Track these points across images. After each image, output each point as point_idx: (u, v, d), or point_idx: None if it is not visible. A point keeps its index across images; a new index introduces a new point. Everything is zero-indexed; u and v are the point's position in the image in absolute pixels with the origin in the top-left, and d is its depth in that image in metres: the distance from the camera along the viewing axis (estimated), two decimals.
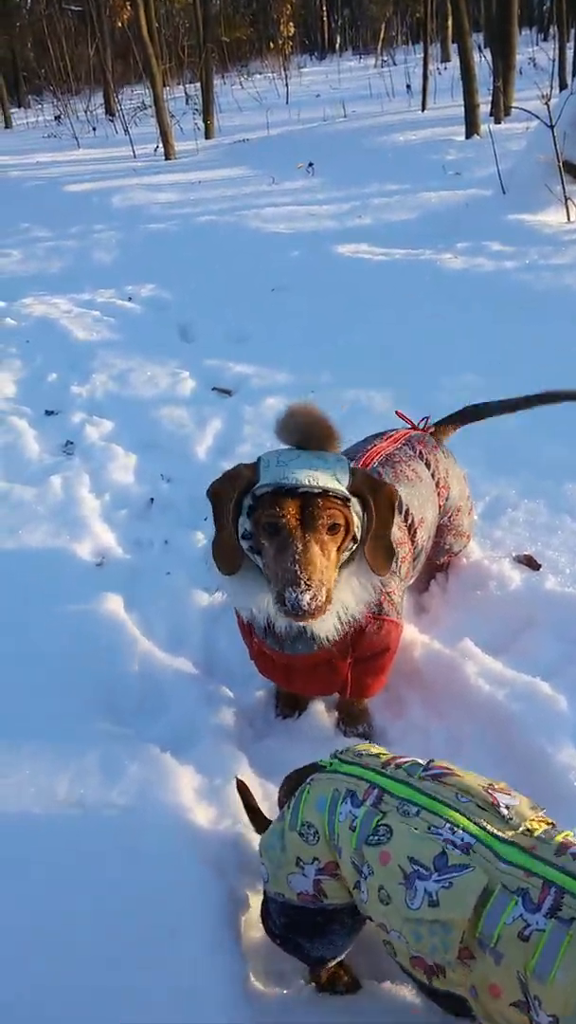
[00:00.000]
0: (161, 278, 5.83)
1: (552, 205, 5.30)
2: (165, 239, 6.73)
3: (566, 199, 5.10)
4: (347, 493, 1.65)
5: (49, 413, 4.05)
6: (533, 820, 1.27)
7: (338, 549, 1.68)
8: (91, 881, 1.64)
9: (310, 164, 8.31)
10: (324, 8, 28.55)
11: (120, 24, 17.73)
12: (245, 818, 1.79)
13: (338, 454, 1.77)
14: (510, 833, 1.24)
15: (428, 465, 2.31)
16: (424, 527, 2.22)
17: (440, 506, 2.33)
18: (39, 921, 1.59)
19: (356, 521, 1.69)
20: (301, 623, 1.66)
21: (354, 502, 1.69)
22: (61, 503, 3.18)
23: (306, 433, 1.73)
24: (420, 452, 2.32)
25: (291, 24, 19.25)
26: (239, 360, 4.29)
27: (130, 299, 5.58)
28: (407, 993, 1.50)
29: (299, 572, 1.58)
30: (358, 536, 1.72)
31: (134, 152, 11.13)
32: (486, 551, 2.64)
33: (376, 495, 1.74)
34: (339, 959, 1.45)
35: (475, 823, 1.26)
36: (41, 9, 20.48)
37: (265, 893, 1.48)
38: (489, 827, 1.25)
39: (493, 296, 4.33)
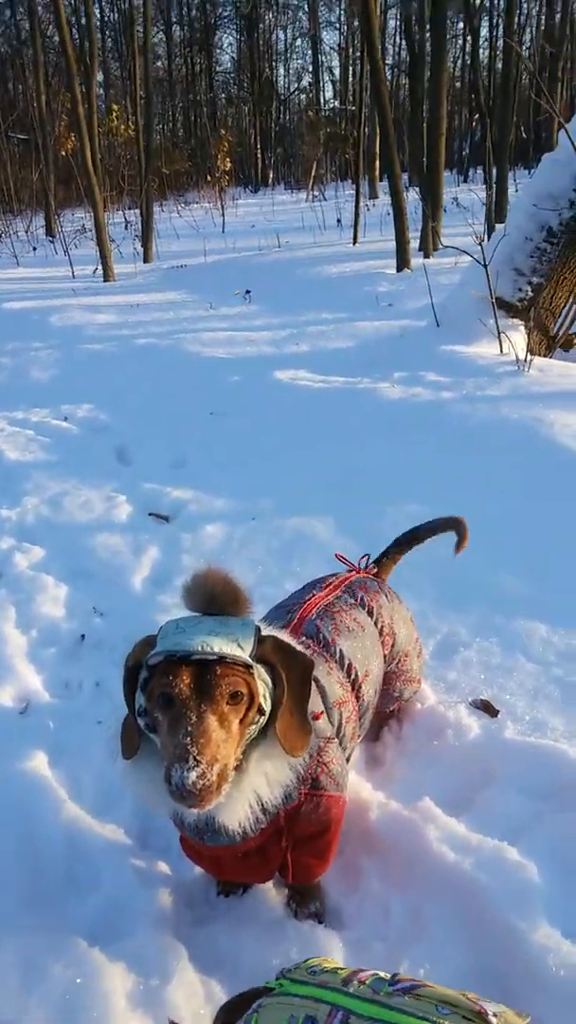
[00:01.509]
0: (98, 399, 5.76)
1: (485, 337, 5.45)
2: (103, 359, 6.71)
3: (499, 333, 5.24)
4: (248, 659, 1.47)
5: None
6: None
7: (241, 722, 1.48)
8: None
9: (247, 291, 8.50)
10: (258, 145, 30.23)
11: (64, 152, 18.42)
12: None
13: (245, 618, 1.58)
14: None
15: (371, 613, 2.19)
16: (369, 681, 2.08)
17: (386, 655, 2.20)
18: None
19: (262, 690, 1.51)
20: (194, 809, 1.40)
21: (259, 669, 1.51)
22: None
23: (210, 598, 1.56)
24: (361, 599, 2.20)
25: (228, 159, 20.25)
26: (177, 484, 4.17)
27: (66, 419, 5.46)
28: None
29: (189, 746, 1.37)
30: (265, 708, 1.52)
31: (73, 273, 11.29)
32: (440, 695, 2.50)
33: (289, 664, 1.57)
34: None
35: None
36: None
37: None
38: None
39: (432, 426, 4.35)
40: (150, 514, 3.94)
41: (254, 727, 1.52)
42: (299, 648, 1.66)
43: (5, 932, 1.76)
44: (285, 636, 1.70)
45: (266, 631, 1.62)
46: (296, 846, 1.78)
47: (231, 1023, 1.28)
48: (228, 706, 1.45)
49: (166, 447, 4.73)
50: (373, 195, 18.82)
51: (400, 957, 1.75)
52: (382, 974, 1.24)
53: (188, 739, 1.38)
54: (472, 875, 1.88)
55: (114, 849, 2.02)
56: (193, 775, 1.35)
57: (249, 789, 1.53)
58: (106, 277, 10.74)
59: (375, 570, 2.44)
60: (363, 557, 2.44)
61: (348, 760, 2.01)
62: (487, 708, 2.43)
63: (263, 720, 1.53)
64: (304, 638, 1.99)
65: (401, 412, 4.54)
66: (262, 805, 1.56)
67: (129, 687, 1.56)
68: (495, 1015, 1.11)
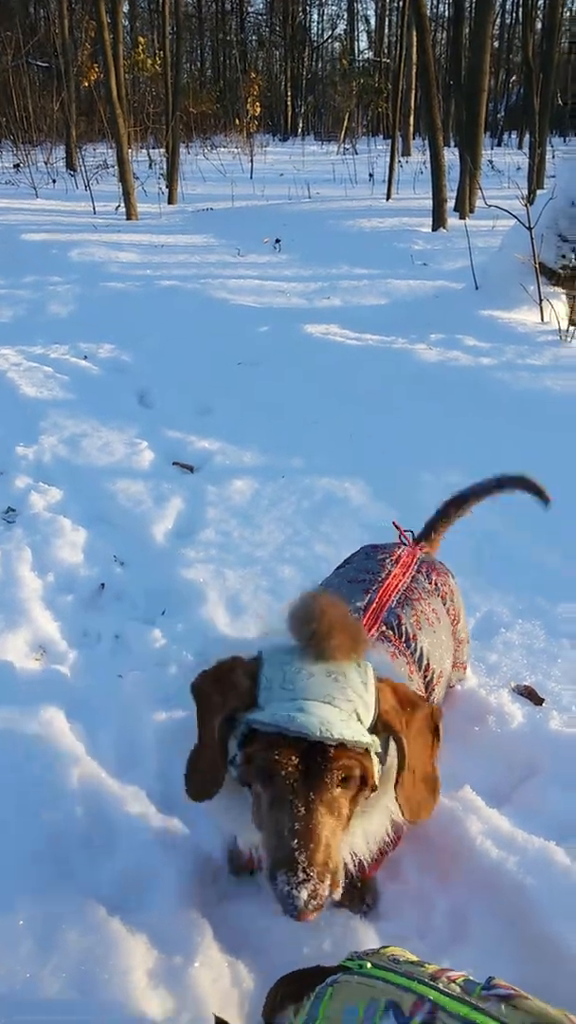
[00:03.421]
0: (120, 339, 5.55)
1: (525, 304, 5.26)
2: (125, 299, 6.48)
3: (541, 300, 5.04)
4: (369, 740, 1.28)
5: None
6: None
7: (352, 801, 1.31)
8: None
9: (277, 240, 8.24)
10: (289, 92, 29.47)
11: (86, 83, 17.87)
12: (209, 1013, 1.44)
13: (361, 669, 1.35)
14: None
15: (443, 600, 2.02)
16: (442, 682, 1.92)
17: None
18: None
19: (377, 769, 1.33)
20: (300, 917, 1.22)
21: (376, 744, 1.31)
22: None
23: (326, 643, 1.32)
24: (436, 583, 2.03)
25: (257, 104, 19.72)
26: (203, 434, 4.01)
27: (85, 357, 5.27)
28: None
29: (297, 852, 1.20)
30: (377, 785, 1.34)
31: (94, 208, 10.97)
32: (481, 678, 2.37)
33: (411, 721, 1.38)
34: None
35: None
36: (7, 61, 20.49)
37: None
38: None
39: (472, 392, 4.18)
40: (174, 463, 3.78)
41: (363, 801, 1.35)
42: (420, 696, 1.49)
43: (18, 893, 1.64)
44: (389, 664, 1.53)
45: (374, 663, 1.41)
46: None
47: (292, 996, 1.17)
48: (339, 790, 1.28)
49: (190, 394, 4.55)
50: (406, 152, 18.34)
51: (440, 958, 1.63)
52: (473, 977, 1.11)
53: (295, 840, 1.21)
54: (517, 877, 1.76)
55: (135, 813, 1.89)
56: (304, 894, 1.19)
57: (347, 849, 1.38)
58: (129, 215, 10.43)
59: (427, 548, 2.26)
60: (407, 532, 2.25)
61: None
62: (531, 695, 2.31)
63: (373, 794, 1.36)
64: (384, 628, 1.82)
65: (439, 376, 4.36)
66: (355, 863, 1.42)
67: (217, 725, 1.36)
68: None
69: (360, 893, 1.76)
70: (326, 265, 7.32)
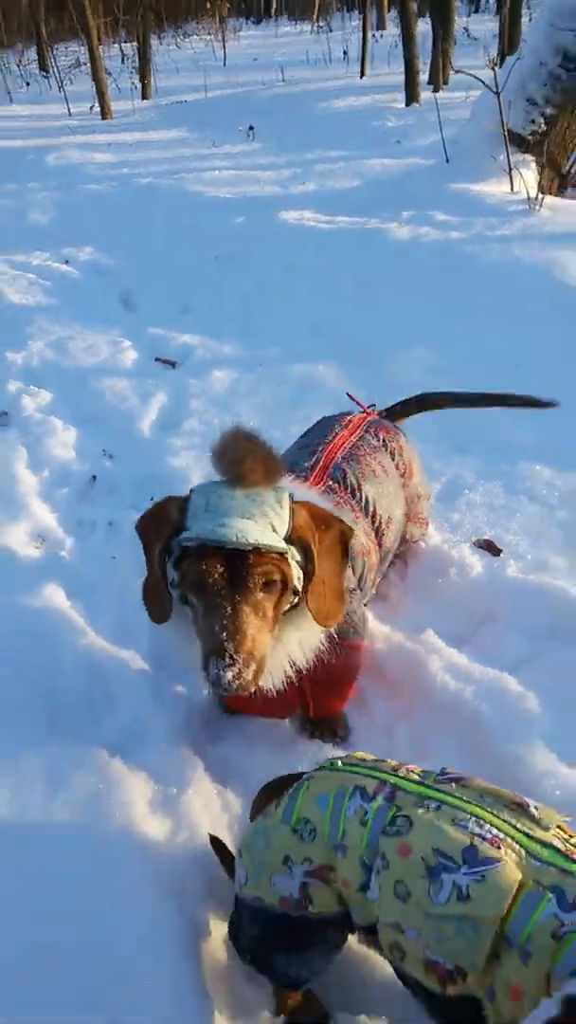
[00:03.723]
0: (100, 241, 5.57)
1: (495, 175, 5.16)
2: (103, 201, 6.43)
3: (510, 168, 4.98)
4: (283, 546, 1.46)
5: None
6: (564, 827, 1.18)
7: (275, 606, 1.49)
8: (33, 910, 1.48)
9: (251, 127, 8.06)
10: None
11: None
12: (203, 832, 1.67)
13: (279, 491, 1.53)
14: (541, 833, 1.14)
15: (392, 455, 2.18)
16: (392, 527, 2.09)
17: (405, 496, 2.21)
18: None
19: (296, 573, 1.50)
20: (228, 693, 1.44)
21: (293, 551, 1.49)
22: None
23: (240, 468, 1.49)
24: (384, 441, 2.18)
25: None
26: (183, 330, 4.11)
27: (67, 262, 5.30)
28: None
29: (225, 642, 1.39)
30: (298, 588, 1.52)
31: (69, 110, 10.68)
32: (444, 535, 2.55)
33: (322, 537, 1.55)
34: (311, 984, 1.34)
35: (503, 820, 1.16)
36: None
37: (237, 900, 1.36)
38: (520, 825, 1.16)
39: (441, 267, 4.20)
40: (157, 359, 3.89)
41: (287, 605, 1.53)
42: (334, 515, 1.64)
43: (29, 747, 1.84)
44: (316, 497, 1.69)
45: (299, 496, 1.59)
46: (318, 688, 1.85)
47: (275, 795, 1.38)
48: (262, 593, 1.45)
49: (171, 292, 4.62)
50: (381, 26, 17.41)
51: None
52: (429, 769, 1.32)
53: (224, 633, 1.40)
54: (473, 703, 1.96)
55: (132, 673, 2.11)
56: (230, 674, 1.39)
57: (283, 655, 1.58)
58: (103, 115, 10.16)
59: (374, 409, 2.41)
60: (371, 405, 2.40)
61: (367, 606, 2.06)
62: (490, 547, 2.48)
63: (296, 598, 1.54)
64: (330, 481, 1.98)
65: (409, 253, 4.37)
66: (295, 667, 1.61)
67: (158, 555, 1.54)
68: (536, 807, 1.20)
69: (332, 726, 1.99)
70: (300, 150, 7.19)
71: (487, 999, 1.09)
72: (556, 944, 1.02)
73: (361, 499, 2.00)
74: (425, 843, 1.15)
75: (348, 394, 2.43)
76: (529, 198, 4.55)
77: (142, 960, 1.39)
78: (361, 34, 10.57)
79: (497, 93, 4.79)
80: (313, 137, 7.58)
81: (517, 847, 1.13)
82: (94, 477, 3.03)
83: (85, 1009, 1.31)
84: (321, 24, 19.25)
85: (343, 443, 2.10)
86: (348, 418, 2.24)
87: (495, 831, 1.14)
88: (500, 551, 2.47)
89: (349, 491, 1.99)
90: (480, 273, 3.96)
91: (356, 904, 1.24)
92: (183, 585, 1.49)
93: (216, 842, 1.60)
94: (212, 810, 1.79)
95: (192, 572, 1.44)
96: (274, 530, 1.46)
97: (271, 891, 1.29)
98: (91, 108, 10.49)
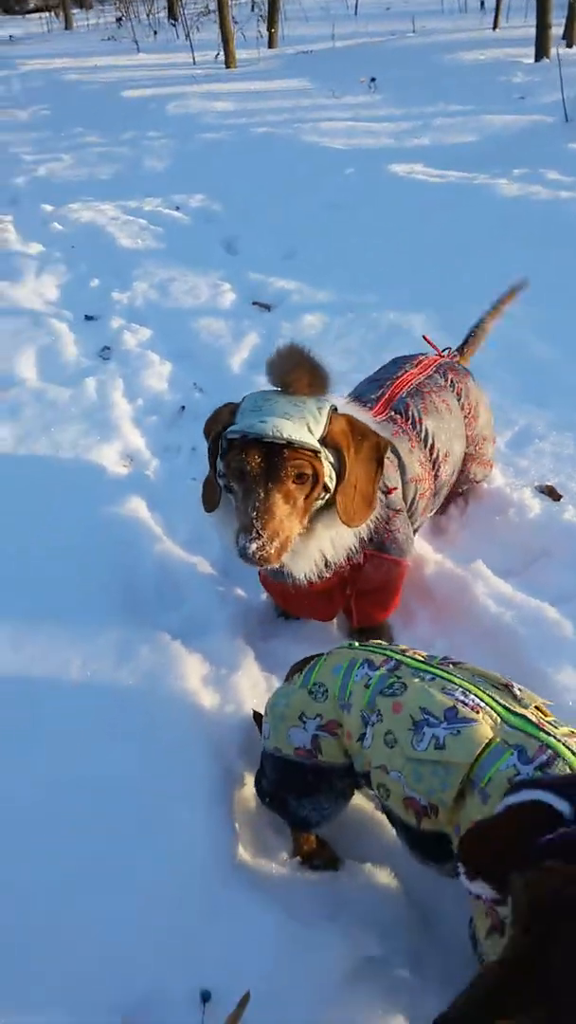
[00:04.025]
0: (211, 189, 5.76)
1: None
2: (219, 149, 6.61)
3: None
4: (316, 445, 1.63)
5: (89, 318, 4.08)
6: (543, 708, 1.34)
7: (307, 497, 1.68)
8: (95, 752, 1.74)
9: (372, 79, 8.05)
10: None
11: None
12: (248, 707, 1.88)
13: (321, 399, 1.71)
14: (519, 709, 1.31)
15: (459, 396, 2.30)
16: (449, 461, 2.22)
17: (468, 436, 2.33)
18: (42, 788, 1.69)
19: (327, 471, 1.67)
20: (254, 567, 1.67)
21: (326, 452, 1.66)
22: (94, 405, 3.23)
23: (288, 377, 1.69)
24: (452, 381, 2.31)
25: None
26: (283, 276, 4.26)
27: (178, 208, 5.53)
28: (384, 876, 1.58)
29: (254, 520, 1.60)
30: (330, 487, 1.70)
31: (194, 59, 10.85)
32: (508, 479, 2.65)
33: (357, 445, 1.72)
34: (321, 827, 1.54)
35: (487, 694, 1.33)
36: None
37: (263, 752, 1.56)
38: (501, 700, 1.32)
39: (547, 225, 4.22)
40: (254, 303, 4.07)
41: (319, 501, 1.72)
42: (373, 427, 1.81)
43: (105, 626, 2.10)
44: (363, 415, 1.86)
45: (343, 409, 1.77)
46: (360, 597, 2.02)
47: (300, 669, 1.59)
48: (294, 484, 1.65)
49: (274, 238, 4.77)
50: None
51: None
52: (434, 655, 1.49)
53: (255, 513, 1.61)
54: (511, 626, 2.10)
55: (200, 576, 2.33)
56: (253, 546, 1.60)
57: (315, 548, 1.77)
58: (228, 63, 10.28)
59: (458, 356, 2.53)
60: (445, 349, 2.52)
61: (416, 531, 2.21)
62: (551, 493, 2.57)
63: (327, 496, 1.72)
64: (393, 413, 2.13)
65: (514, 211, 4.40)
66: (326, 562, 1.81)
67: (212, 451, 1.76)
68: (520, 689, 1.36)
69: (376, 636, 2.15)
70: (420, 103, 7.16)
71: (454, 834, 1.26)
72: (510, 789, 1.18)
73: (421, 431, 2.14)
74: (414, 703, 1.33)
75: (425, 337, 2.55)
76: None
77: (184, 799, 1.63)
78: None
79: None
80: (435, 90, 7.52)
81: (494, 715, 1.29)
82: (183, 407, 3.25)
83: (132, 828, 1.58)
84: None
85: (411, 379, 2.24)
86: (420, 358, 2.38)
87: (477, 700, 1.31)
88: (560, 496, 2.55)
89: (410, 423, 2.13)
90: None
91: (356, 753, 1.43)
92: (228, 473, 1.70)
93: (258, 716, 1.81)
94: (258, 691, 2.00)
95: (235, 461, 1.65)
96: (310, 431, 1.64)
97: (288, 743, 1.49)
98: (216, 57, 10.63)
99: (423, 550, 2.38)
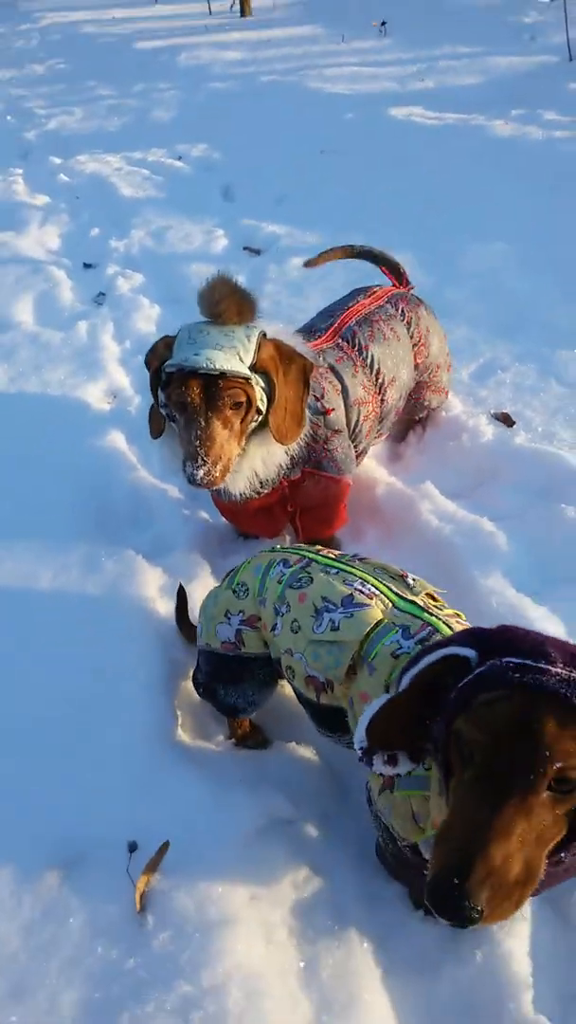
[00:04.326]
0: (214, 138, 5.84)
1: None
2: (225, 98, 6.66)
3: None
4: (247, 373, 1.76)
5: (87, 266, 4.23)
6: (433, 595, 1.49)
7: (243, 421, 1.82)
8: (59, 642, 1.96)
9: (383, 22, 7.98)
10: None
11: None
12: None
13: (249, 327, 1.83)
14: (410, 595, 1.46)
15: (408, 324, 2.41)
16: (395, 386, 2.34)
17: (418, 364, 2.44)
18: (10, 663, 1.93)
19: (259, 395, 1.81)
20: (202, 490, 1.84)
21: (256, 378, 1.80)
22: (84, 347, 3.40)
23: (218, 307, 1.80)
24: (402, 310, 2.42)
25: None
26: (274, 220, 4.36)
27: (180, 158, 5.62)
28: (307, 752, 1.77)
29: (198, 447, 1.75)
30: (262, 409, 1.84)
31: (210, 8, 10.79)
32: (467, 407, 2.77)
33: (285, 369, 1.85)
34: (248, 713, 1.72)
35: (383, 584, 1.48)
36: None
37: (199, 650, 1.74)
38: (395, 588, 1.47)
39: (536, 166, 4.27)
40: (244, 248, 4.18)
41: (253, 423, 1.87)
42: (298, 351, 1.93)
43: (76, 540, 2.29)
44: (290, 338, 1.98)
45: (271, 335, 1.90)
46: (303, 513, 2.18)
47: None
48: (231, 411, 1.80)
49: (270, 185, 4.86)
50: None
51: None
52: (345, 553, 1.66)
53: (198, 441, 1.77)
54: (450, 538, 2.24)
55: (169, 501, 2.51)
56: (200, 472, 1.77)
57: (248, 467, 1.93)
58: (243, 12, 10.21)
59: (413, 288, 2.64)
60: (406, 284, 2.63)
61: (364, 453, 2.35)
62: (505, 420, 2.69)
63: (260, 417, 1.87)
64: (340, 340, 2.26)
65: (506, 150, 4.45)
66: (259, 479, 1.96)
67: (153, 383, 1.90)
68: (414, 579, 1.52)
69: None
70: (429, 46, 7.10)
71: (348, 706, 1.42)
72: (394, 661, 1.34)
73: (367, 357, 2.27)
74: (317, 593, 1.49)
75: (382, 269, 2.66)
76: None
77: (132, 679, 1.85)
78: None
79: None
80: (445, 32, 7.45)
81: (387, 600, 1.44)
82: None
83: (84, 700, 1.81)
84: None
85: (361, 309, 2.37)
86: (374, 289, 2.50)
87: (373, 589, 1.46)
88: (514, 423, 2.67)
89: (356, 349, 2.26)
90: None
91: (270, 642, 1.60)
92: (170, 404, 1.84)
93: (181, 593, 2.03)
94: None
95: (175, 394, 1.79)
96: (240, 360, 1.77)
97: (216, 638, 1.66)
98: (231, 6, 10.55)
99: (377, 473, 2.52)
